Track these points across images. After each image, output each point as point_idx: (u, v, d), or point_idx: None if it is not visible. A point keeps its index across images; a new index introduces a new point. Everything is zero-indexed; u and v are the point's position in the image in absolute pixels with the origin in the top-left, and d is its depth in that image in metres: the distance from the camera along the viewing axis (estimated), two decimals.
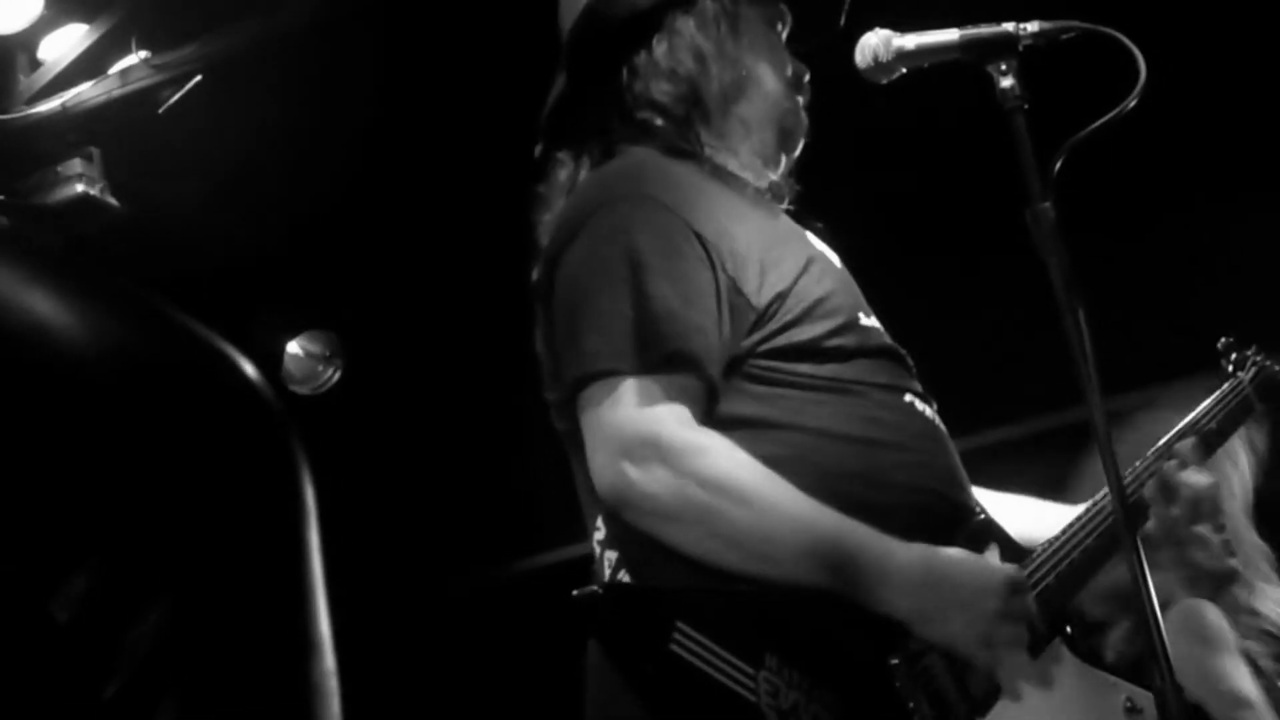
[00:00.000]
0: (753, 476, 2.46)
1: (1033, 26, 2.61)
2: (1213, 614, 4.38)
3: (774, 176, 2.92)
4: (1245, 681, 4.19)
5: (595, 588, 2.41)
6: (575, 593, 2.35)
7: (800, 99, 2.98)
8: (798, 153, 2.97)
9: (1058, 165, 2.49)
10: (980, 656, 2.43)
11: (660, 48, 2.86)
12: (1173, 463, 2.89)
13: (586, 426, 2.54)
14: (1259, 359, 3.22)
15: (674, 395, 2.50)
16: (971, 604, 2.43)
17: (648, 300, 2.53)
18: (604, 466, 2.50)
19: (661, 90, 2.83)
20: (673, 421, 2.48)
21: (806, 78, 3.00)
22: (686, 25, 2.87)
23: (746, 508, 2.44)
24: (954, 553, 2.50)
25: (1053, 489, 3.00)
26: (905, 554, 2.45)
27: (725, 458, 2.47)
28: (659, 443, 2.45)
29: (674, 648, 2.29)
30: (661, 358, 2.51)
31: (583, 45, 2.94)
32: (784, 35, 3.03)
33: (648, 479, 2.44)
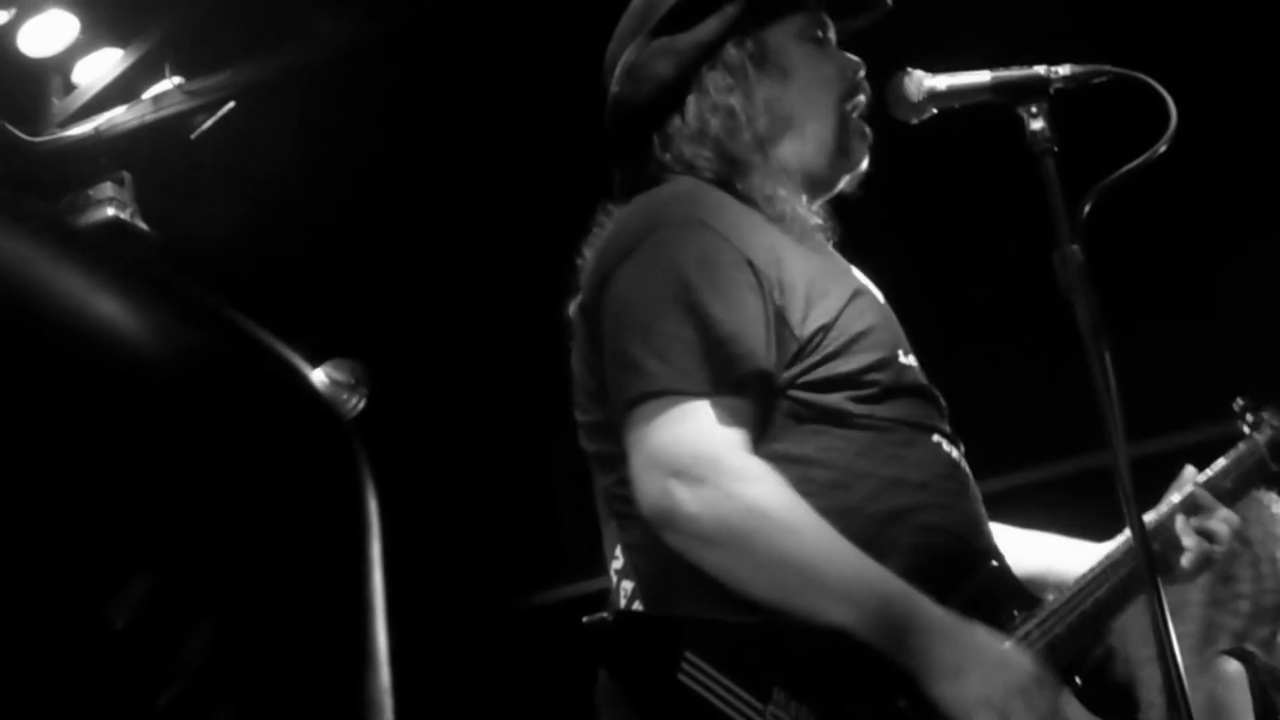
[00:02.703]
0: (798, 510, 2.46)
1: (1064, 70, 2.61)
2: (1237, 679, 4.42)
3: (823, 205, 2.91)
4: None
5: (605, 615, 2.40)
6: (585, 619, 2.35)
7: (858, 100, 2.91)
8: (861, 168, 2.91)
9: (1087, 208, 2.49)
10: None
11: (690, 110, 2.83)
12: (1202, 505, 2.89)
13: (634, 444, 2.52)
14: (1276, 421, 3.21)
15: (734, 419, 2.51)
16: (992, 672, 2.41)
17: (709, 324, 2.52)
18: (650, 485, 2.48)
19: (692, 152, 2.81)
20: (730, 445, 2.49)
21: (861, 73, 2.92)
22: (715, 80, 2.83)
23: (790, 538, 2.43)
24: (984, 630, 2.48)
25: (1077, 532, 2.99)
26: (937, 612, 2.45)
27: (775, 488, 2.47)
28: (715, 464, 2.45)
29: (682, 678, 2.29)
30: (730, 380, 2.51)
31: (613, 133, 2.94)
32: (829, 35, 2.96)
33: (695, 500, 2.44)
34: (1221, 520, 2.87)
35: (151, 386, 0.83)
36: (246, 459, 0.86)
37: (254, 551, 0.85)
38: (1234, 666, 4.51)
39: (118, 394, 0.82)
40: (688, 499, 2.43)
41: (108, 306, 0.85)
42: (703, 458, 2.45)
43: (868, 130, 2.91)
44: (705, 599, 2.45)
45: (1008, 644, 2.51)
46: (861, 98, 2.91)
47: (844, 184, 2.93)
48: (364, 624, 0.91)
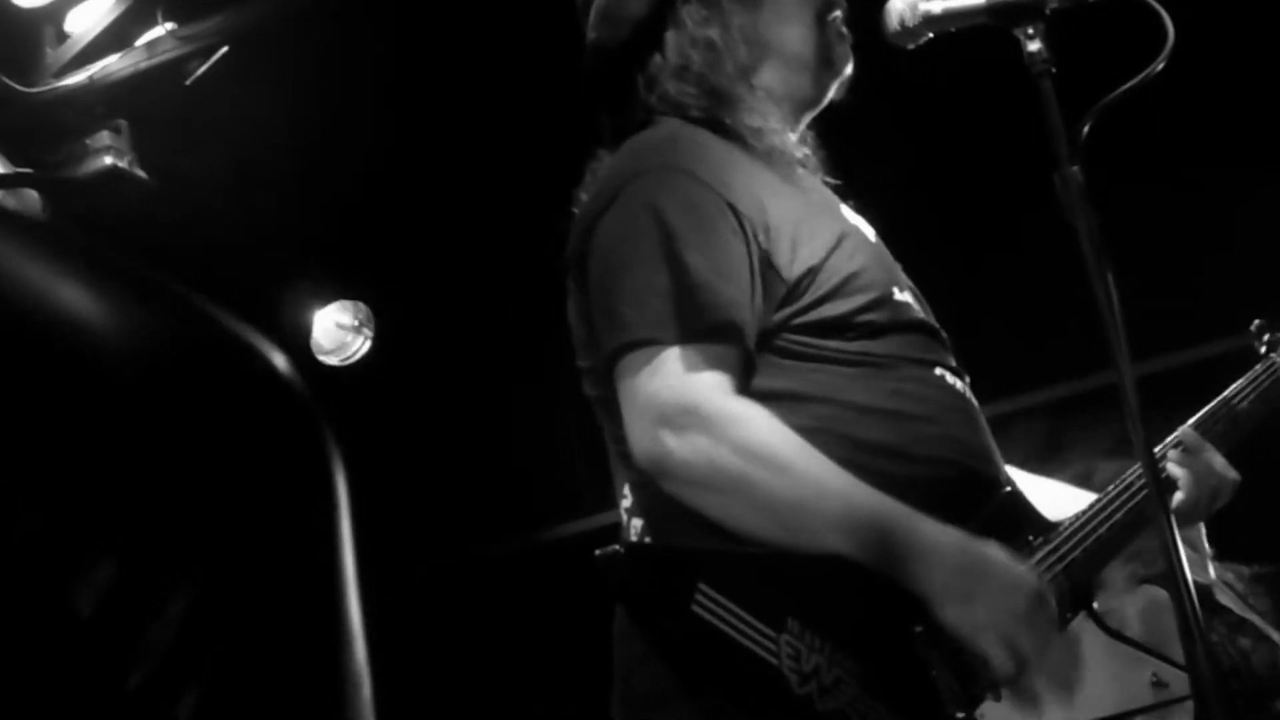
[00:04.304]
0: (789, 447, 2.46)
1: None
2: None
3: (813, 132, 2.90)
4: None
5: (618, 547, 2.41)
6: (598, 552, 2.36)
7: (835, 15, 2.92)
8: (846, 73, 2.92)
9: (1086, 129, 2.47)
10: (996, 655, 2.39)
11: (670, 47, 2.83)
12: (1188, 444, 2.89)
13: (624, 395, 2.54)
14: None
15: (713, 365, 2.51)
16: (999, 597, 2.40)
17: (685, 271, 2.52)
18: (641, 434, 2.50)
19: (677, 89, 2.81)
20: (712, 390, 2.48)
21: None
22: (690, 13, 2.84)
23: (783, 477, 2.43)
24: (990, 546, 2.47)
25: (1081, 455, 2.99)
26: (940, 534, 2.44)
27: (763, 427, 2.47)
28: (698, 411, 2.45)
29: (696, 609, 2.29)
30: (703, 328, 2.51)
31: (595, 79, 2.93)
32: None
33: (685, 447, 2.44)
34: (1208, 461, 2.88)
35: (114, 373, 0.83)
36: (211, 442, 0.86)
37: (221, 533, 0.85)
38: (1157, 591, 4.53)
39: (80, 381, 0.83)
40: (678, 447, 2.44)
41: (68, 294, 0.85)
42: (687, 405, 2.45)
43: (845, 30, 2.92)
44: (713, 535, 2.46)
45: (1009, 557, 2.50)
46: (839, 12, 2.91)
47: (832, 93, 2.92)
48: (337, 601, 0.91)
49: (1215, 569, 4.56)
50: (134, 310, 0.87)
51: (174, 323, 0.89)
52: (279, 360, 0.92)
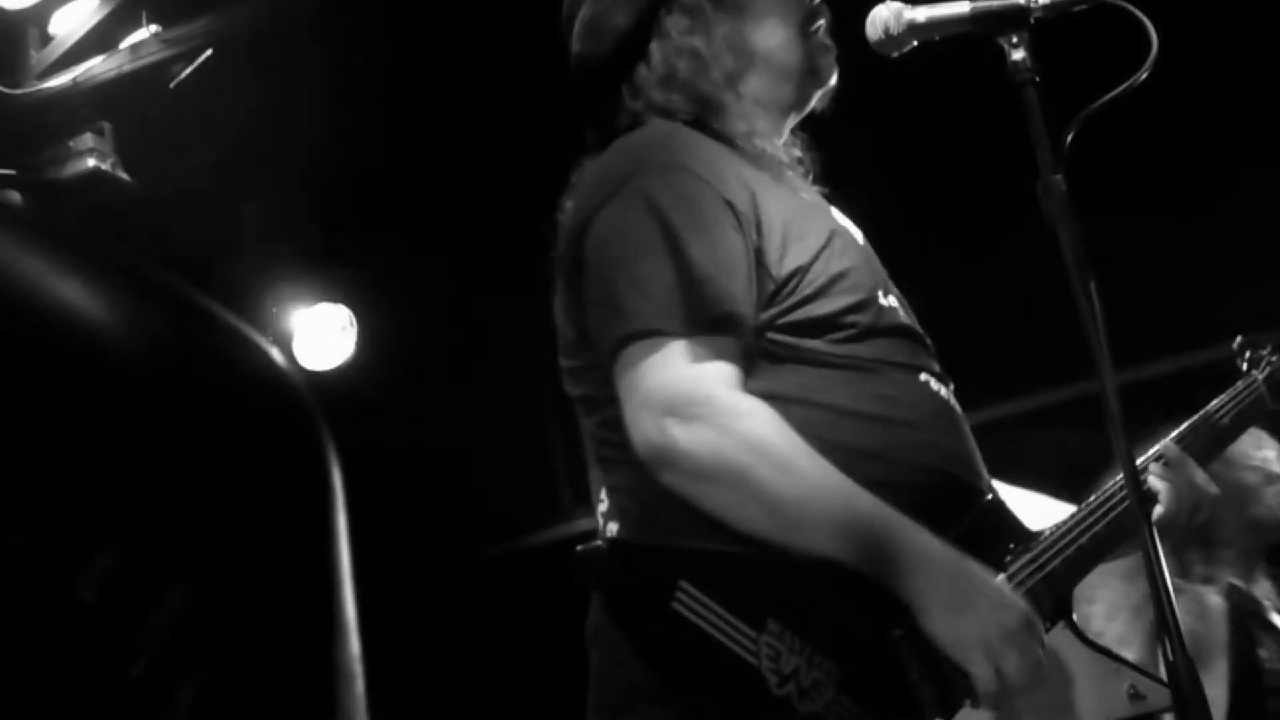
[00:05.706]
0: (794, 446, 2.46)
1: None
2: (1216, 613, 4.44)
3: (802, 136, 2.90)
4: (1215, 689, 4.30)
5: (600, 544, 2.42)
6: (579, 549, 2.36)
7: (819, 24, 2.90)
8: (831, 84, 2.91)
9: (1069, 138, 2.48)
10: (980, 670, 2.39)
11: (655, 57, 2.83)
12: (1170, 459, 2.90)
13: (627, 386, 2.52)
14: (1274, 358, 3.22)
15: (721, 357, 2.51)
16: (990, 612, 2.41)
17: (691, 264, 2.52)
18: (646, 424, 2.48)
19: (663, 97, 2.81)
20: (720, 382, 2.49)
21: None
22: (674, 24, 2.83)
23: (787, 474, 2.43)
24: (985, 571, 2.48)
25: (1066, 464, 2.99)
26: (937, 546, 2.45)
27: (769, 423, 2.47)
28: (707, 402, 2.45)
29: (676, 606, 2.29)
30: (710, 320, 2.50)
31: (580, 90, 2.93)
32: None
33: (690, 438, 2.44)
34: (1190, 476, 2.89)
35: (113, 367, 0.83)
36: (210, 436, 0.86)
37: (219, 527, 0.85)
38: (1215, 600, 4.53)
39: (79, 376, 0.83)
40: (684, 437, 2.44)
41: (67, 289, 0.85)
42: (697, 396, 2.45)
43: (830, 42, 2.91)
44: (692, 540, 2.46)
45: (1003, 582, 2.51)
46: (822, 21, 2.90)
47: (815, 101, 2.92)
48: (332, 595, 0.91)
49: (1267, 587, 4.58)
50: (133, 305, 0.87)
51: (172, 317, 0.89)
52: (277, 355, 0.92)
